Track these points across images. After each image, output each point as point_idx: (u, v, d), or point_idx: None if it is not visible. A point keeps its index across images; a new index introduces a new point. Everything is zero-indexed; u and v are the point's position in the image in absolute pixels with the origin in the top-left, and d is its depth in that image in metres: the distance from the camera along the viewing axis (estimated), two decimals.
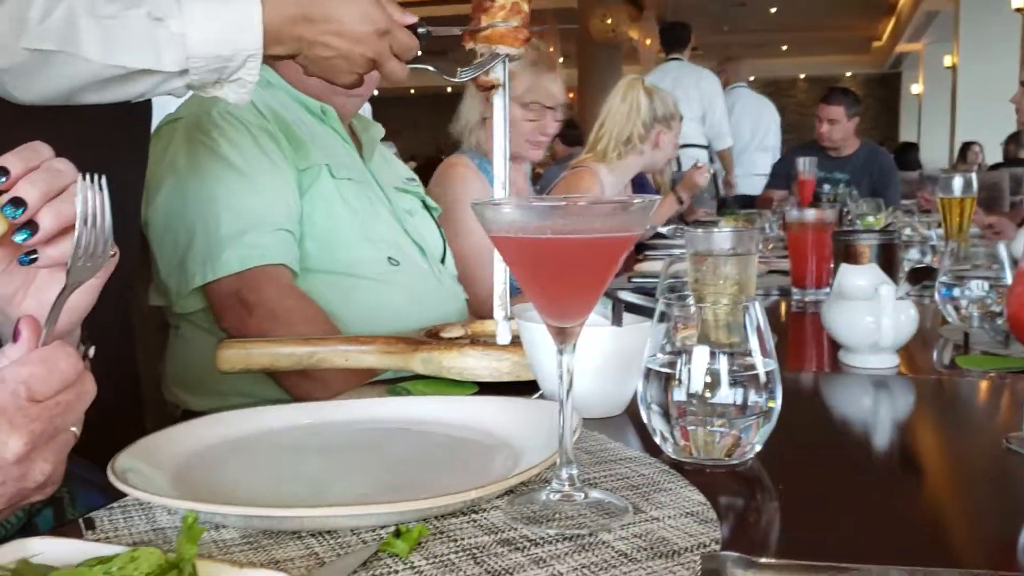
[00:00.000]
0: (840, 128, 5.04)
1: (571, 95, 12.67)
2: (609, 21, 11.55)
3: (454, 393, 1.13)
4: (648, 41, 12.35)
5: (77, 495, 0.89)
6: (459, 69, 1.23)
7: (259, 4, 1.11)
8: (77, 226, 0.71)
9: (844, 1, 13.14)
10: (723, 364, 0.84)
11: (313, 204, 1.54)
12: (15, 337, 0.67)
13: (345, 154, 1.69)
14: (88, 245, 0.72)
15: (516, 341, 1.17)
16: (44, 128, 0.85)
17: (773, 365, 0.85)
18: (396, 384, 1.18)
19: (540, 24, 1.31)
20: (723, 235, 1.34)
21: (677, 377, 0.85)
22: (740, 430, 0.83)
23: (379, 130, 1.90)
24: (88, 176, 0.73)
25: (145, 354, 1.64)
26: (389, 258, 1.63)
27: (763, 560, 0.60)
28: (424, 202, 1.94)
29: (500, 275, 1.24)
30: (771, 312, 1.87)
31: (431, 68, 1.27)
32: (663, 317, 0.88)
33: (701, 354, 0.85)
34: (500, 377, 1.14)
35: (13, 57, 1.05)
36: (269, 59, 1.15)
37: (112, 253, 0.75)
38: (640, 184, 3.67)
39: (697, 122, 5.69)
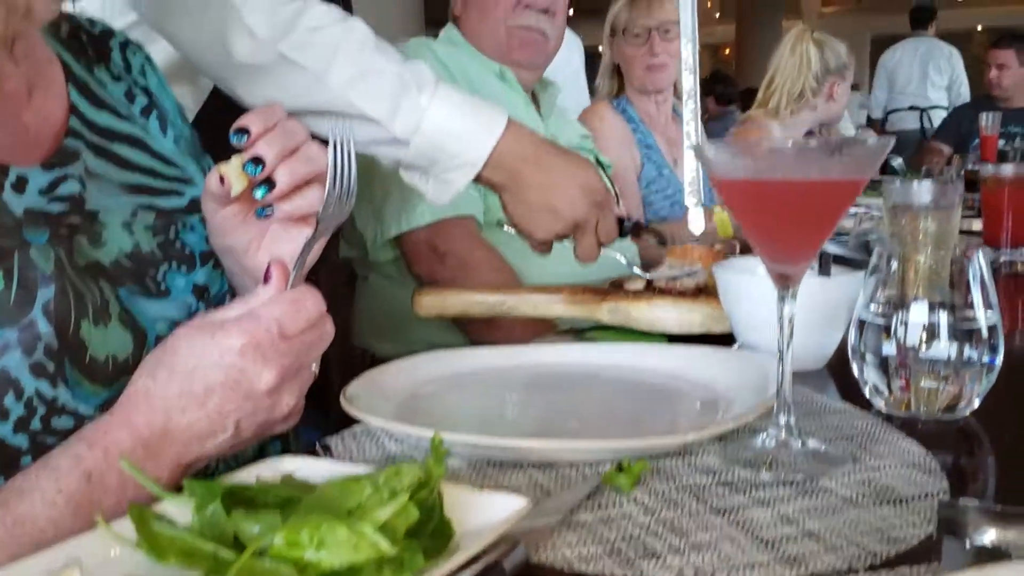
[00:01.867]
0: (1011, 74, 4.71)
1: (727, 51, 12.32)
2: None
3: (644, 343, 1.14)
4: None
5: (300, 430, 0.95)
6: (650, 270, 1.23)
7: (503, 126, 1.12)
8: (328, 178, 0.76)
9: None
10: (942, 317, 0.81)
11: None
12: (265, 279, 0.72)
13: (526, 115, 1.72)
14: (337, 195, 0.76)
15: (706, 292, 1.16)
16: None
17: (996, 319, 0.82)
18: (584, 333, 1.19)
19: None
20: (923, 187, 1.29)
21: (895, 329, 0.82)
22: (963, 384, 0.80)
23: (557, 89, 1.92)
24: (338, 134, 0.77)
25: (331, 304, 1.73)
26: None
27: (1003, 509, 0.58)
28: (598, 159, 1.94)
29: (691, 163, 1.21)
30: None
31: (620, 257, 1.28)
32: (875, 269, 0.86)
33: (920, 306, 0.82)
34: (691, 329, 1.13)
35: (261, 54, 1.08)
36: (481, 178, 1.15)
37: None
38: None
39: (943, 90, 6.70)
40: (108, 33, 0.95)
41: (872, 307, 0.85)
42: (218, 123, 1.03)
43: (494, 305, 1.24)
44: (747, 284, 0.98)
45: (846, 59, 3.12)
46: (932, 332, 0.81)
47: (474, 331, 1.52)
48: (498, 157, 1.12)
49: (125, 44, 0.97)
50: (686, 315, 1.14)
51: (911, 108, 6.70)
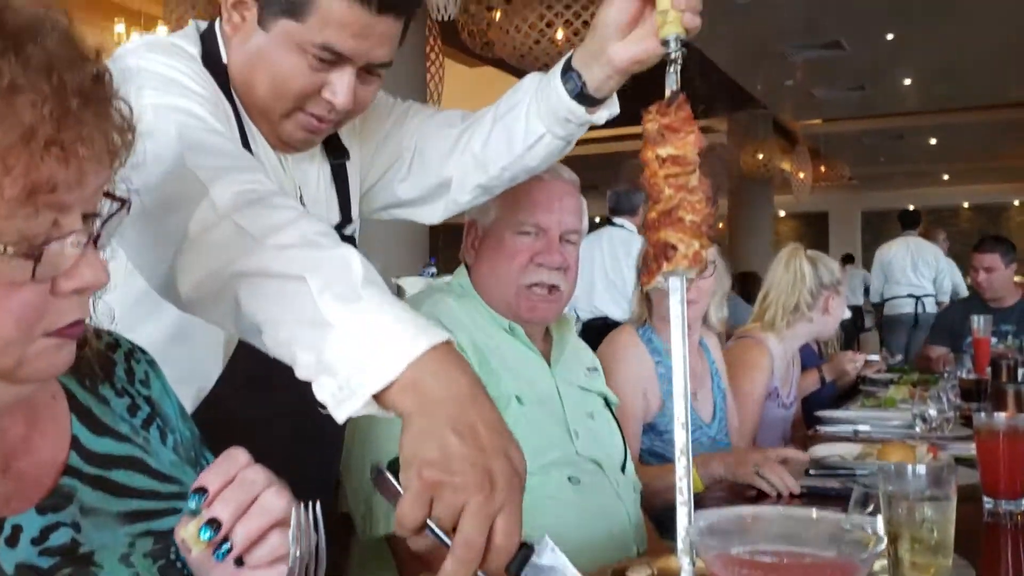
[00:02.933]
0: (999, 276, 4.82)
1: (720, 226, 12.66)
2: (760, 156, 11.59)
3: None
4: (801, 174, 12.26)
5: None
6: None
7: (414, 355, 0.90)
8: (291, 552, 0.79)
9: (1009, 131, 12.72)
10: None
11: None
12: None
13: (534, 368, 1.75)
14: (301, 568, 0.79)
15: None
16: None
17: None
18: None
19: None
20: (919, 477, 1.31)
21: None
22: None
23: (571, 326, 1.95)
24: (303, 505, 0.80)
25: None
26: (569, 477, 1.66)
27: None
28: (606, 399, 1.95)
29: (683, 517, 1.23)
30: (962, 520, 1.78)
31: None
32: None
33: None
34: None
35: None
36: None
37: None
38: (805, 352, 3.61)
39: (930, 281, 8.23)
40: (114, 345, 0.98)
41: None
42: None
43: None
44: None
45: (839, 275, 3.23)
46: None
47: None
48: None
49: (130, 353, 1.00)
50: None
51: (908, 296, 8.21)
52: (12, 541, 0.78)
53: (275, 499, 0.80)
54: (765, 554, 0.72)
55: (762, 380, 3.00)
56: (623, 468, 1.83)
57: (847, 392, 4.02)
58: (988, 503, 1.89)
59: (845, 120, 12.70)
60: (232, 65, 1.36)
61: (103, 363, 0.95)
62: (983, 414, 1.96)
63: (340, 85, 1.30)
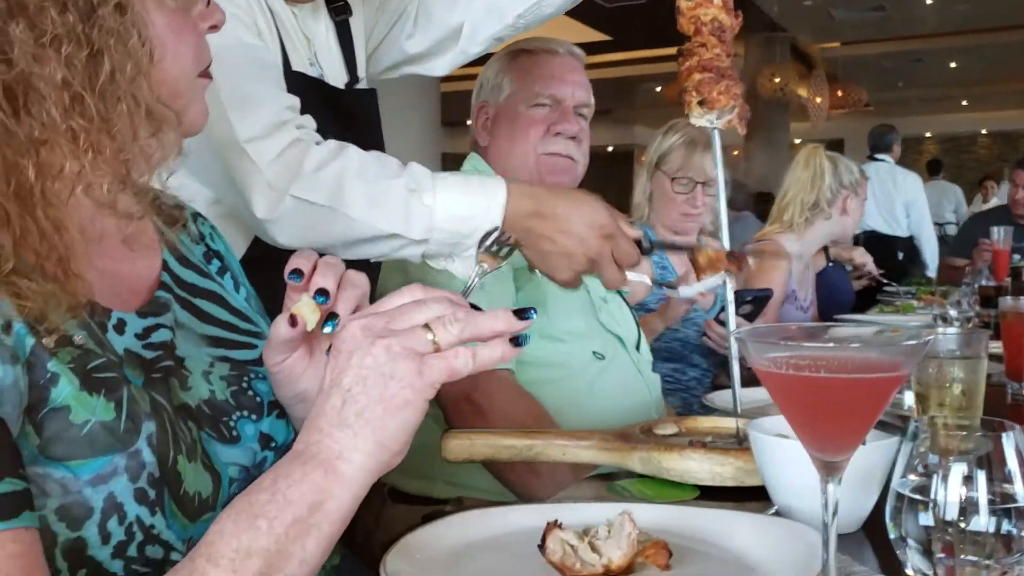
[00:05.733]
0: None
1: (735, 152, 12.55)
2: (777, 80, 11.40)
3: (675, 495, 1.14)
4: (818, 99, 12.07)
5: None
6: (680, 285, 1.30)
7: (504, 193, 1.22)
8: None
9: None
10: (982, 488, 0.81)
11: (527, 302, 1.59)
12: None
13: None
14: None
15: (739, 446, 1.16)
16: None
17: None
18: (615, 483, 1.19)
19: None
20: (949, 337, 1.30)
21: (932, 504, 0.82)
22: (1006, 568, 0.80)
23: None
24: None
25: None
26: (594, 352, 1.66)
27: None
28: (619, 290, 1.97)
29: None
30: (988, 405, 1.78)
31: (646, 279, 1.33)
32: (915, 435, 0.86)
33: (956, 478, 0.82)
34: (722, 482, 1.13)
35: (280, 204, 1.19)
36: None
37: None
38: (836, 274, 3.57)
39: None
40: (180, 205, 1.03)
41: (910, 478, 0.85)
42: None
43: (522, 450, 1.24)
44: (782, 448, 0.98)
45: (859, 176, 3.19)
46: (972, 506, 0.81)
47: (503, 473, 1.52)
48: (508, 221, 1.22)
49: (195, 215, 1.06)
50: (718, 467, 1.14)
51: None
52: (119, 329, 0.83)
53: (358, 275, 0.87)
54: (806, 357, 0.70)
55: (780, 281, 2.99)
56: (638, 347, 1.84)
57: (864, 302, 4.00)
58: (1012, 387, 1.88)
59: (864, 43, 12.43)
60: None
61: (175, 216, 1.01)
62: (1009, 298, 1.94)
63: None
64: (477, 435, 1.26)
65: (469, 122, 1.91)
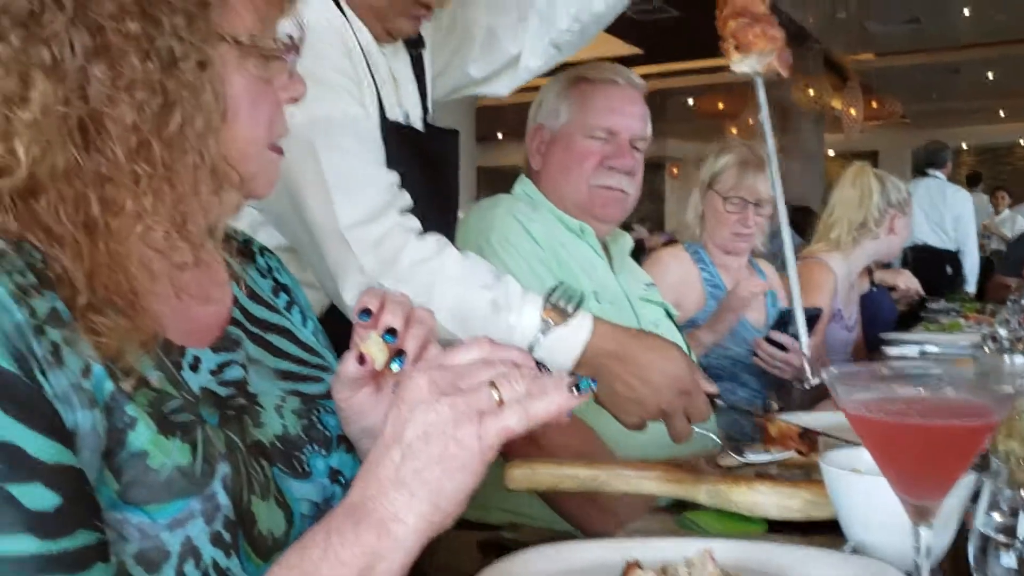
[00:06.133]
0: None
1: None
2: (812, 91, 11.33)
3: (743, 528, 1.13)
4: (853, 111, 11.98)
5: None
6: (744, 449, 1.31)
7: (588, 332, 1.23)
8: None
9: None
10: None
11: None
12: None
13: (602, 272, 1.76)
14: None
15: (808, 477, 1.16)
16: None
17: None
18: (683, 515, 1.19)
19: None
20: (1016, 364, 1.28)
21: (1017, 542, 0.81)
22: None
23: (628, 241, 1.96)
24: None
25: None
26: None
27: None
28: (667, 311, 1.97)
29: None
30: None
31: (714, 437, 1.34)
32: (997, 472, 0.85)
33: None
34: (791, 515, 1.13)
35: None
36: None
37: None
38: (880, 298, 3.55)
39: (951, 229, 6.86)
40: (249, 240, 1.05)
41: (992, 517, 0.84)
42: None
43: (586, 480, 1.24)
44: (858, 483, 0.98)
45: (906, 195, 3.16)
46: None
47: (557, 501, 1.52)
48: (586, 356, 1.23)
49: (263, 249, 1.07)
50: (786, 500, 1.13)
51: None
52: (195, 367, 0.84)
53: (425, 313, 0.87)
54: (897, 400, 0.70)
55: (826, 301, 2.97)
56: None
57: (907, 320, 3.96)
58: None
59: (899, 54, 12.32)
60: None
61: (245, 250, 1.03)
62: None
63: None
64: (540, 465, 1.26)
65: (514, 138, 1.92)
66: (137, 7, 0.74)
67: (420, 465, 0.68)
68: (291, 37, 0.88)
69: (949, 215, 6.18)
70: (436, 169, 1.45)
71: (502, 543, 1.66)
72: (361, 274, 1.22)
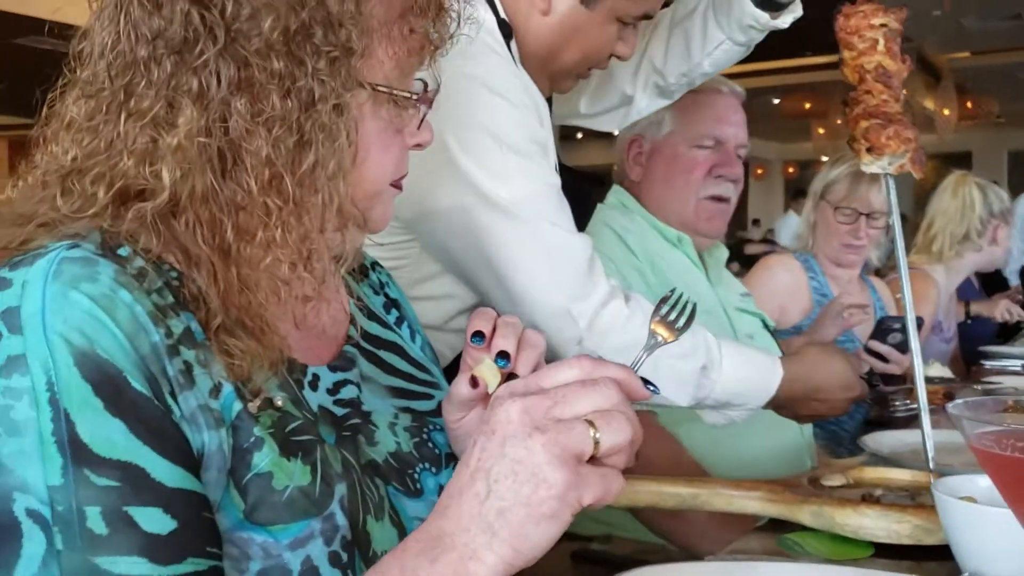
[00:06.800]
0: None
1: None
2: (904, 91, 11.03)
3: (849, 552, 1.12)
4: (946, 111, 11.62)
5: None
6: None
7: (779, 379, 1.35)
8: None
9: None
10: None
11: None
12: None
13: (698, 282, 1.75)
14: None
15: (918, 502, 1.13)
16: None
17: None
18: (786, 536, 1.18)
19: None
20: None
21: None
22: None
23: (724, 252, 1.95)
24: None
25: None
26: None
27: None
28: (764, 321, 1.94)
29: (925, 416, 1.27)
30: None
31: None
32: None
33: None
34: (899, 539, 1.11)
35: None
36: None
37: None
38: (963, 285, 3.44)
39: None
40: (362, 255, 1.05)
41: None
42: None
43: (687, 498, 1.24)
44: (974, 513, 0.95)
45: (1009, 204, 3.07)
46: None
47: (651, 517, 1.52)
48: (775, 396, 1.37)
49: (374, 264, 1.09)
50: (895, 525, 1.11)
51: None
52: (313, 386, 0.86)
53: (535, 335, 0.87)
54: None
55: (929, 312, 2.90)
56: None
57: (1006, 332, 3.83)
58: None
59: (996, 52, 11.89)
60: (535, 36, 1.33)
61: (360, 267, 1.05)
62: None
63: (632, 40, 1.37)
64: (640, 482, 1.26)
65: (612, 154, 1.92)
66: (284, 47, 0.76)
67: (505, 505, 0.63)
68: (426, 86, 0.89)
69: None
70: (580, 209, 1.45)
71: (594, 555, 1.67)
72: (580, 346, 1.25)
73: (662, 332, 0.94)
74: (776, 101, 13.87)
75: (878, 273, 3.01)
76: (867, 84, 1.28)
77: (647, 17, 1.37)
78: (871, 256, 2.67)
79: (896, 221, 1.32)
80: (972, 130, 14.84)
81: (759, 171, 18.18)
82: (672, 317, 0.92)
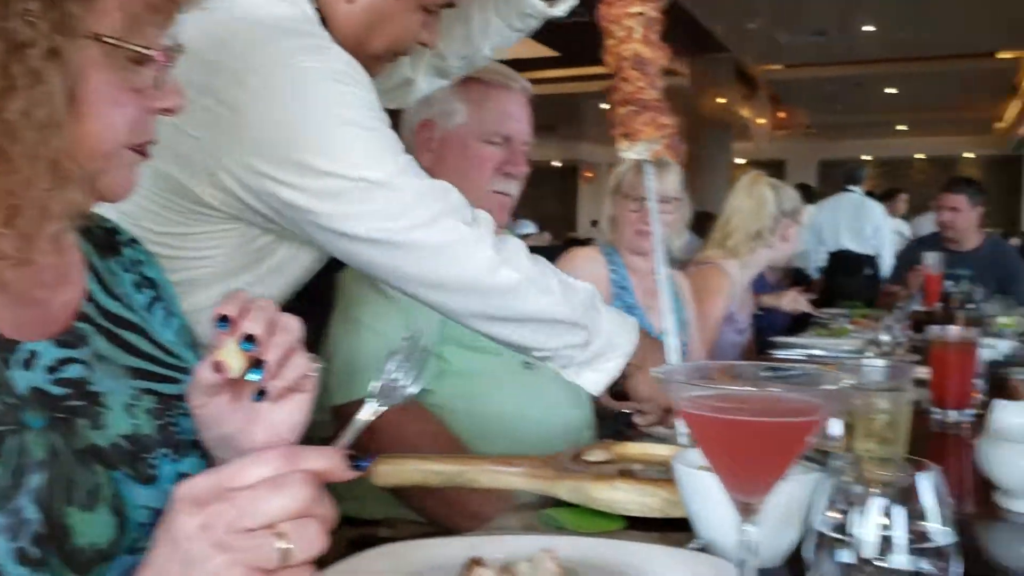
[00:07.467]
0: (963, 217, 4.88)
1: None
2: (721, 100, 11.59)
3: (603, 525, 1.14)
4: (761, 121, 12.30)
5: None
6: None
7: (637, 333, 1.41)
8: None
9: (966, 83, 12.83)
10: (900, 526, 0.82)
11: None
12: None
13: None
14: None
15: (667, 477, 1.16)
16: None
17: (953, 538, 0.83)
18: (543, 511, 1.19)
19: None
20: (874, 369, 1.32)
21: (847, 536, 0.83)
22: None
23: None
24: None
25: None
26: (525, 363, 1.66)
27: None
28: None
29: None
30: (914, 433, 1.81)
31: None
32: (836, 471, 0.86)
33: (876, 514, 0.83)
34: (650, 513, 1.13)
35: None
36: None
37: None
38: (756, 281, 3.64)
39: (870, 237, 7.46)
40: (115, 230, 1.01)
41: (828, 515, 0.86)
42: None
43: (453, 475, 1.23)
44: (704, 481, 0.99)
45: (798, 204, 3.25)
46: (889, 544, 0.82)
47: (411, 500, 1.52)
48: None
49: (132, 240, 1.03)
50: (645, 499, 1.14)
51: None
52: (27, 364, 0.80)
53: (291, 320, 0.83)
54: (731, 398, 0.71)
55: (723, 305, 3.03)
56: None
57: (799, 324, 4.07)
58: (937, 414, 1.92)
59: (806, 66, 12.69)
60: (343, 24, 1.35)
61: (109, 241, 0.99)
62: (936, 327, 1.99)
63: (435, 26, 1.39)
64: (407, 460, 1.25)
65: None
66: None
67: None
68: (168, 47, 0.83)
69: (868, 225, 6.87)
70: None
71: (375, 542, 1.64)
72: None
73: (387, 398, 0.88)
74: (604, 106, 14.28)
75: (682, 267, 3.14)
76: (624, 72, 1.31)
77: (450, 5, 1.40)
78: (671, 246, 2.77)
79: (652, 206, 1.36)
80: (785, 139, 15.79)
81: (589, 175, 18.68)
82: (401, 376, 0.88)
